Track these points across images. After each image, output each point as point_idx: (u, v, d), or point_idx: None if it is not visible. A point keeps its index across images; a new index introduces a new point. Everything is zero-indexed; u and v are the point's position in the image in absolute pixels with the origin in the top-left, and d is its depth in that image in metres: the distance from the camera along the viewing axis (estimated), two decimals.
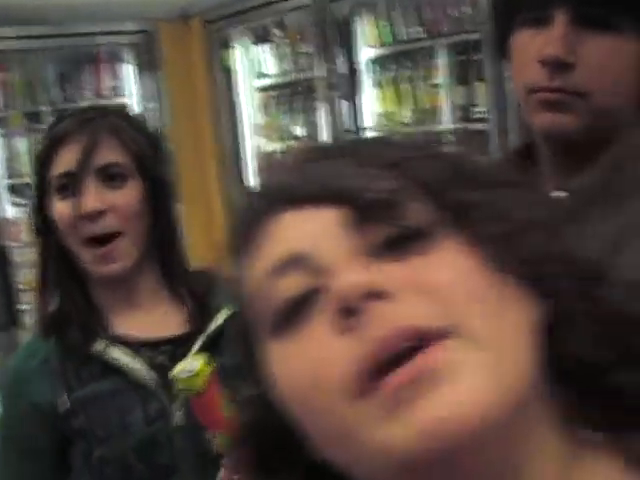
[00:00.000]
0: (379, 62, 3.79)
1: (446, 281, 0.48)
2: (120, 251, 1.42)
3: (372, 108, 3.81)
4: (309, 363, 0.48)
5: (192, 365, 1.26)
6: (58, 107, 4.38)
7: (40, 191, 1.45)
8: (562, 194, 1.13)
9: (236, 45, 4.49)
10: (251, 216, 0.54)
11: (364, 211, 0.50)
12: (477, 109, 3.32)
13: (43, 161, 1.43)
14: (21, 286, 4.04)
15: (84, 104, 4.36)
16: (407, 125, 3.71)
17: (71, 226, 1.41)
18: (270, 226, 0.52)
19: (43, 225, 1.46)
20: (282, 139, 4.40)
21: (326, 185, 0.51)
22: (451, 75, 3.44)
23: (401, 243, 0.49)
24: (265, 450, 0.56)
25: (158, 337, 1.46)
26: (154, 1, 4.28)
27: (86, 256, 1.42)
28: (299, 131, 4.28)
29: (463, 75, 3.37)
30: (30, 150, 4.27)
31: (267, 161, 4.43)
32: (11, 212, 4.19)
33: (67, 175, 1.40)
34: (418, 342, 0.45)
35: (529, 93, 1.14)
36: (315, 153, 0.56)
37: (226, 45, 4.49)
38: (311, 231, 0.50)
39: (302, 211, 0.51)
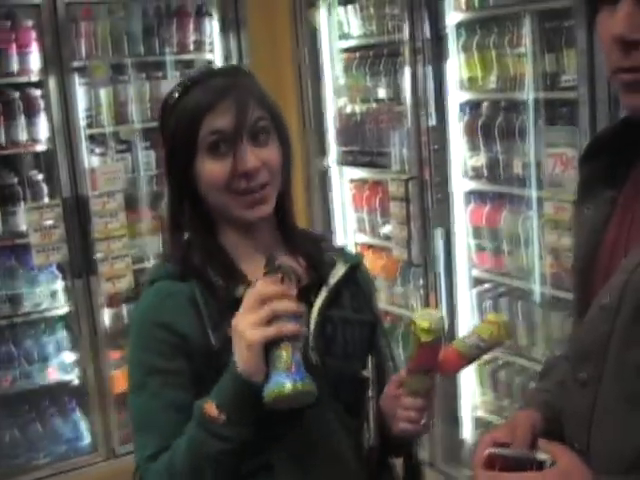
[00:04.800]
0: (465, 26, 3.69)
1: None
2: (268, 196, 1.57)
3: (457, 73, 3.73)
4: None
5: (435, 314, 1.45)
6: (142, 59, 4.41)
7: (188, 153, 1.55)
8: None
9: (321, 4, 4.44)
10: None
11: None
12: (565, 77, 3.21)
13: (190, 128, 1.53)
14: (97, 235, 4.07)
15: (168, 58, 4.40)
16: (492, 92, 3.63)
17: (225, 184, 1.53)
18: None
19: (185, 182, 1.57)
20: (364, 101, 4.34)
21: None
22: (539, 42, 3.33)
23: None
24: None
25: None
26: None
27: (236, 205, 1.55)
28: (382, 93, 4.22)
29: (552, 43, 3.26)
30: (111, 101, 4.29)
31: (347, 123, 4.39)
32: (91, 162, 4.18)
33: (217, 132, 1.52)
34: None
35: (613, 74, 1.14)
36: None
37: (312, 4, 4.44)
38: None
39: None
